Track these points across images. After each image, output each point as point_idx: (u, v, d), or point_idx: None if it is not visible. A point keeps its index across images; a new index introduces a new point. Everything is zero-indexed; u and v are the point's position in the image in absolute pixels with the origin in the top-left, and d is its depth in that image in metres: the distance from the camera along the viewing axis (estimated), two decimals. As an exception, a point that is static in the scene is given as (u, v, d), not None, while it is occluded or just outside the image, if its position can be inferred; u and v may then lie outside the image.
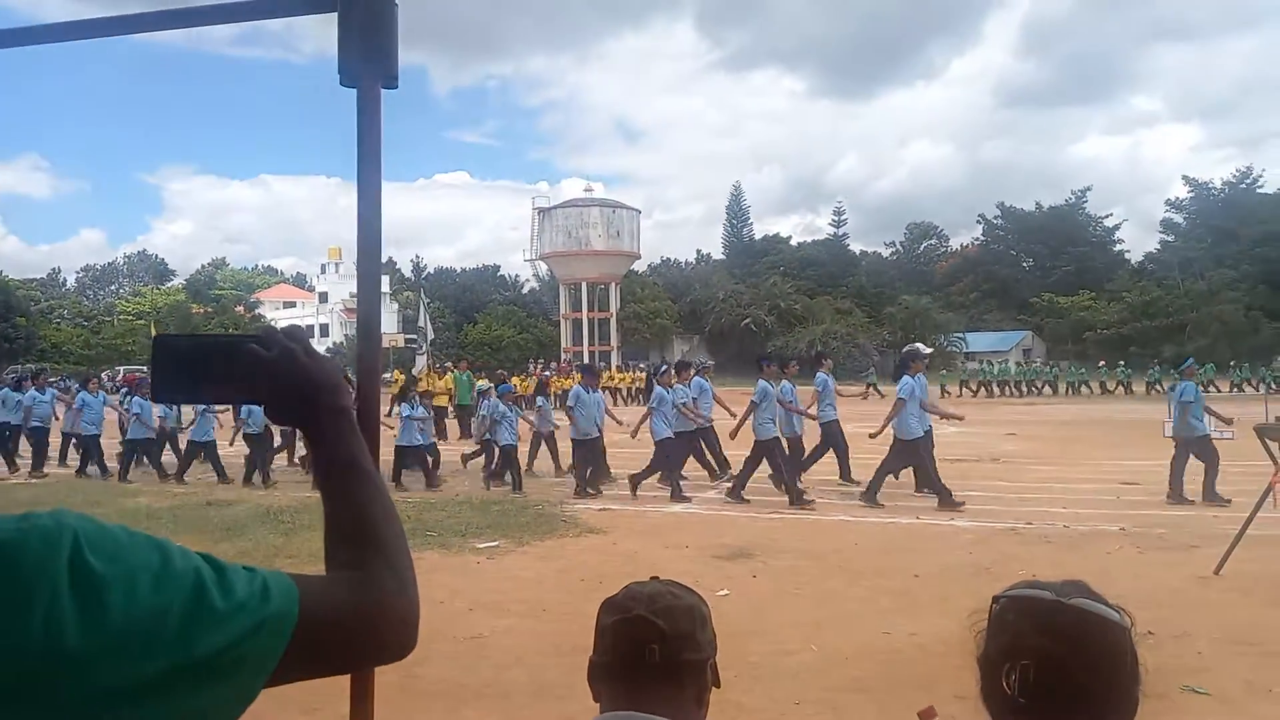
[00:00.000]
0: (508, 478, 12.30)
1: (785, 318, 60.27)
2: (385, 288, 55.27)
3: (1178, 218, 69.68)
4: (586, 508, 10.75)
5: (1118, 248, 72.79)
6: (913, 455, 10.63)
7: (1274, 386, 30.84)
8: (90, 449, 14.63)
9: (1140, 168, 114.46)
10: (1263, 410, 10.84)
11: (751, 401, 11.32)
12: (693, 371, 13.22)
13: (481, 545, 8.58)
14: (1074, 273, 66.49)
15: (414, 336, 51.06)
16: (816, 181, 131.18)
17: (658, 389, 12.21)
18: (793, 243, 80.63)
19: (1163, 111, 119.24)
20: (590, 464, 12.00)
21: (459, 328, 65.10)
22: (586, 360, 55.43)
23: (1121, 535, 8.74)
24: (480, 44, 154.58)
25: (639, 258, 66.49)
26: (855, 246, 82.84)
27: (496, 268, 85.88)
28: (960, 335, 59.08)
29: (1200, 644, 5.39)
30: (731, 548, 8.30)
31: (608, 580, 1.42)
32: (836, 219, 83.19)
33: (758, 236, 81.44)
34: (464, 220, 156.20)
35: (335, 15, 1.12)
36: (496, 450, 12.54)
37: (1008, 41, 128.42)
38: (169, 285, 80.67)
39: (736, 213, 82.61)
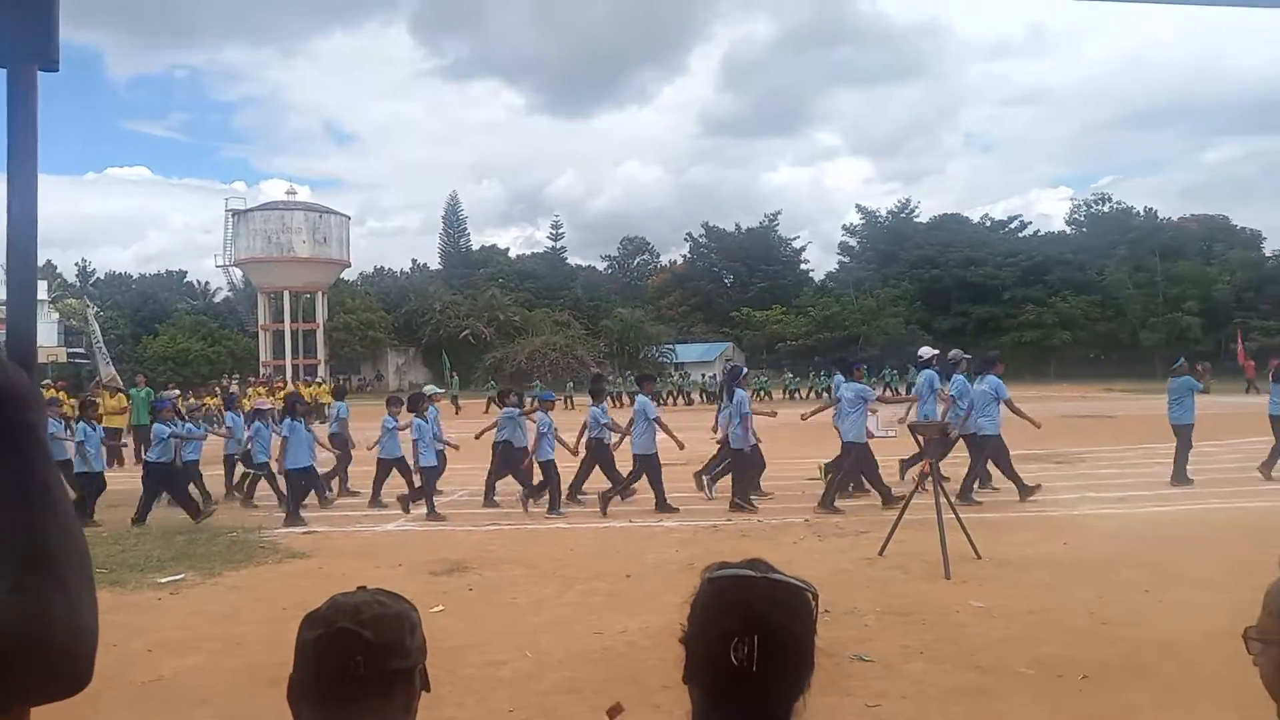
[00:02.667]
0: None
1: (504, 329, 60.30)
2: (43, 294, 48.16)
3: (852, 241, 78.63)
4: (289, 532, 10.10)
5: (804, 267, 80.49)
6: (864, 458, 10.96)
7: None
8: None
9: (822, 196, 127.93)
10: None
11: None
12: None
13: (163, 580, 7.78)
14: (768, 289, 72.74)
15: (80, 350, 45.06)
16: (536, 196, 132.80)
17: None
18: (511, 254, 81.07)
19: (841, 147, 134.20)
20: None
21: (137, 339, 58.14)
22: (294, 375, 52.06)
23: (806, 526, 9.72)
24: (167, 29, 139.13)
25: (349, 266, 63.35)
26: (573, 260, 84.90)
27: (183, 274, 78.22)
28: (671, 346, 62.51)
29: (867, 617, 6.13)
30: (447, 562, 8.18)
31: (313, 606, 1.34)
32: (554, 233, 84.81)
33: (476, 247, 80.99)
34: (144, 220, 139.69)
35: (-22, -14, 1.00)
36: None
37: (711, 75, 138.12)
38: None
39: (454, 223, 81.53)
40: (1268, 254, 61.40)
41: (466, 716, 4.55)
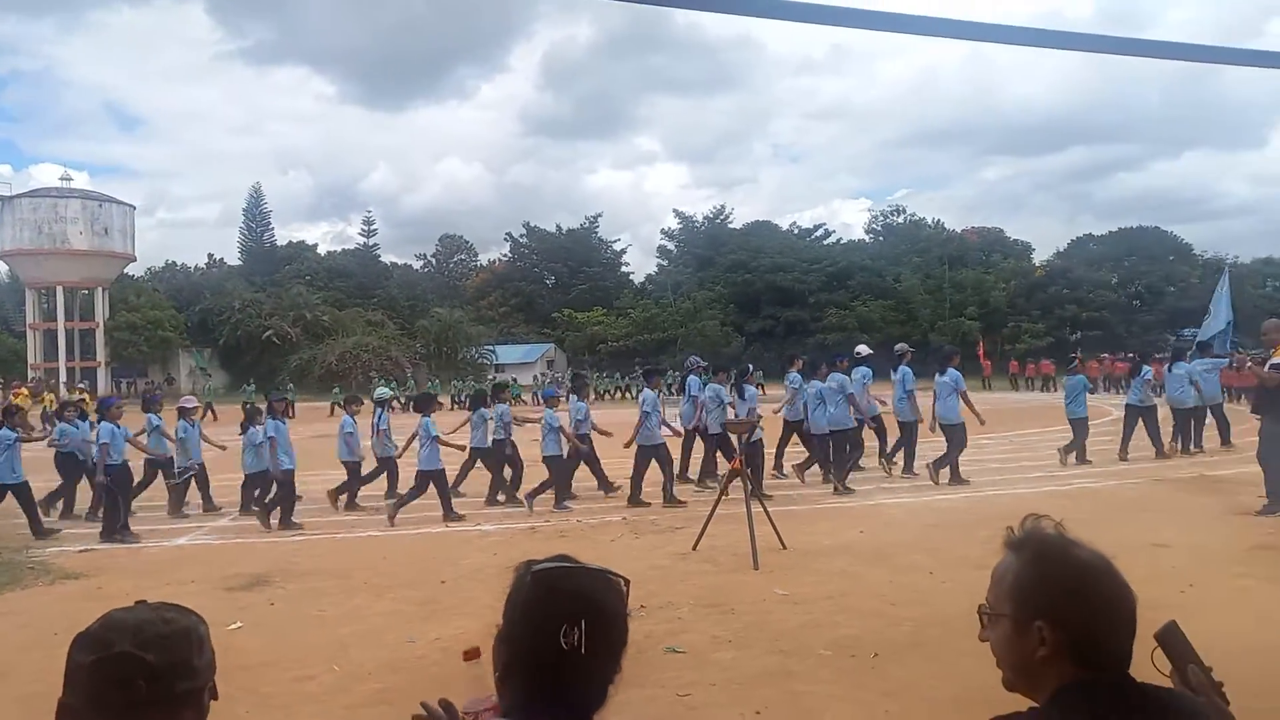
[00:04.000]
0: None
1: (312, 329, 57.37)
2: None
3: (670, 245, 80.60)
4: (62, 550, 9.20)
5: (624, 269, 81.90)
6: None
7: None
8: None
9: (642, 199, 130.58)
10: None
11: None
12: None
13: (-90, 610, 6.87)
14: (589, 290, 73.33)
15: None
16: (348, 189, 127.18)
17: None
18: (320, 251, 77.42)
19: (660, 152, 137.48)
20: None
21: None
22: (71, 376, 47.44)
23: (624, 524, 9.87)
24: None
25: (134, 260, 58.25)
26: (387, 258, 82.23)
27: (-67, 266, 69.51)
28: (491, 347, 61.69)
29: (681, 610, 6.30)
30: (247, 577, 7.71)
31: (89, 629, 1.23)
32: (367, 229, 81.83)
33: (281, 243, 76.72)
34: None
35: None
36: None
37: (532, 74, 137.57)
38: None
39: (256, 216, 76.84)
40: (1036, 263, 68.36)
41: (266, 737, 4.30)
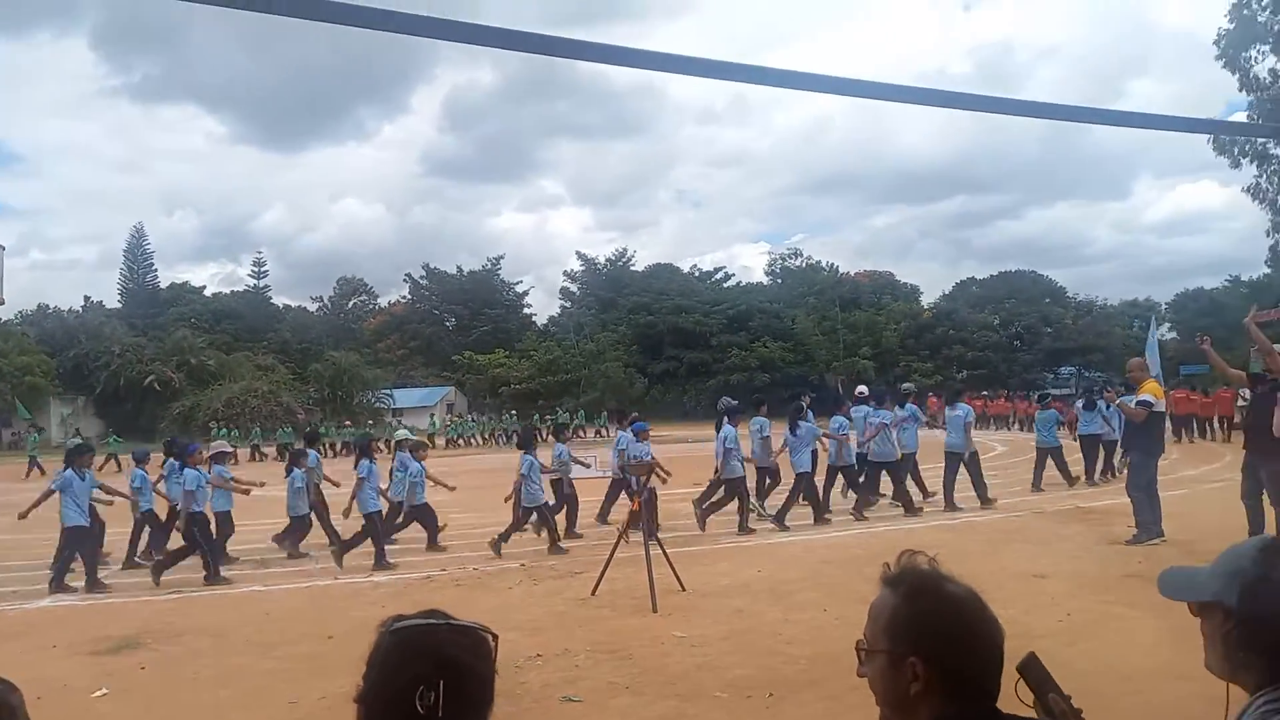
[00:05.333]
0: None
1: (197, 374, 54.78)
2: None
3: (573, 287, 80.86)
4: None
5: (527, 311, 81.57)
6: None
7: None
8: None
9: (546, 242, 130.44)
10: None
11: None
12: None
13: None
14: (491, 332, 72.65)
15: None
16: (238, 230, 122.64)
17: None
18: (207, 293, 74.52)
19: (565, 196, 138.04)
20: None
21: None
22: None
23: (521, 570, 9.68)
24: None
25: (2, 303, 54.75)
26: (280, 300, 79.71)
27: None
28: (388, 391, 60.20)
29: (578, 657, 6.19)
30: (116, 639, 7.21)
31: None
32: (257, 270, 79.22)
33: (164, 284, 73.49)
34: None
35: None
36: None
37: (433, 116, 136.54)
38: None
39: (138, 257, 73.48)
40: (924, 305, 71.35)
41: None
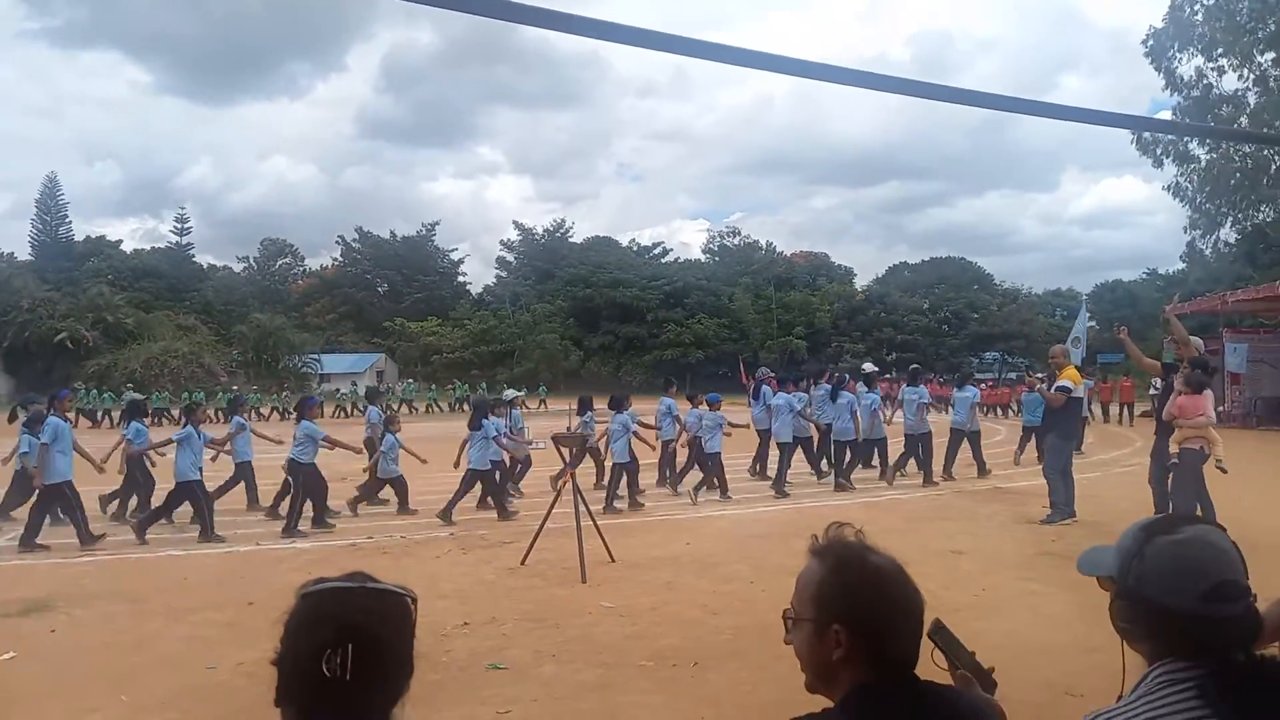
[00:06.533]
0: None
1: (113, 332, 52.72)
2: None
3: (510, 256, 79.99)
4: None
5: (462, 279, 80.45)
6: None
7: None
8: None
9: (483, 210, 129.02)
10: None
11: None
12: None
13: None
14: (424, 300, 71.50)
15: None
16: (162, 185, 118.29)
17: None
18: (126, 248, 71.76)
19: (503, 164, 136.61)
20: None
21: None
22: None
23: (451, 539, 9.61)
24: None
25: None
26: (204, 259, 77.29)
27: None
28: (316, 356, 58.88)
29: (505, 626, 6.19)
30: (25, 602, 6.96)
31: None
32: (180, 227, 76.37)
33: (80, 238, 70.40)
34: None
35: None
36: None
37: (370, 76, 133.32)
38: None
39: (51, 208, 70.06)
40: (858, 288, 72.56)
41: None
